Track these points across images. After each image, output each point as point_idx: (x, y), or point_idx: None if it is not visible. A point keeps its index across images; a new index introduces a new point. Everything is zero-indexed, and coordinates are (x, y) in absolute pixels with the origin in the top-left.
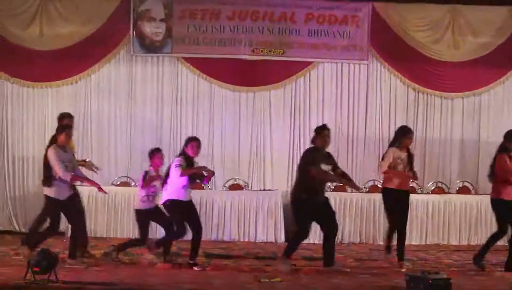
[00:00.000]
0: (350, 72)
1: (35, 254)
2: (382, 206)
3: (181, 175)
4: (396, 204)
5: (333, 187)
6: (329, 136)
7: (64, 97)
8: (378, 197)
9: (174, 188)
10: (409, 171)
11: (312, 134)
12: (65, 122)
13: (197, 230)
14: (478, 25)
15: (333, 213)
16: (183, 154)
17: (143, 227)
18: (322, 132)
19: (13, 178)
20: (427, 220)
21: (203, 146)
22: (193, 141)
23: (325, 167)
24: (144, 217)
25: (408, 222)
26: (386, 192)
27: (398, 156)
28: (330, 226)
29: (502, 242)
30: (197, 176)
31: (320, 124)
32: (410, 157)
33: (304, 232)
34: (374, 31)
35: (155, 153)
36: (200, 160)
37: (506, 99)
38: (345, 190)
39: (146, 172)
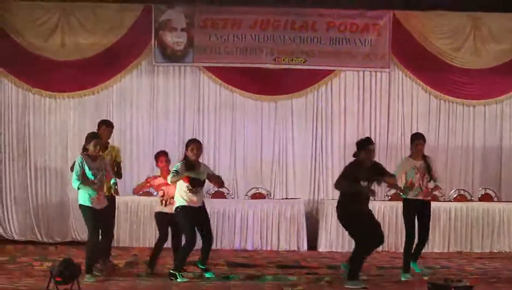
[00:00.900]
0: (372, 80)
1: (58, 264)
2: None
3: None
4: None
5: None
6: (373, 151)
7: (86, 107)
8: (400, 205)
9: (177, 194)
10: (425, 180)
11: (334, 142)
12: (101, 131)
13: (207, 237)
14: (499, 32)
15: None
16: (184, 158)
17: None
18: (365, 147)
19: (35, 188)
20: (449, 228)
21: (225, 155)
22: (192, 143)
23: (367, 183)
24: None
25: (430, 230)
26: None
27: (412, 166)
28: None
29: None
30: (196, 181)
31: (342, 132)
32: (427, 165)
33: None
34: (395, 39)
35: (158, 156)
36: (223, 170)
37: None
38: None
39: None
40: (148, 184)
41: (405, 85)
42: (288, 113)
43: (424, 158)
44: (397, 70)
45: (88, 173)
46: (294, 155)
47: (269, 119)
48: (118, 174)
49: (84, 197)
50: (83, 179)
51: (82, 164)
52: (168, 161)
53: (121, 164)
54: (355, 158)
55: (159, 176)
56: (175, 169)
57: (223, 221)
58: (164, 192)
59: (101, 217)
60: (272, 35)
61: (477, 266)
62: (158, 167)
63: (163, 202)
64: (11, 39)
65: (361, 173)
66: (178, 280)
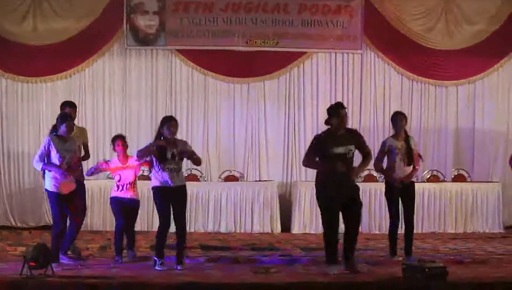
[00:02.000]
0: (344, 62)
1: (31, 249)
2: (377, 195)
3: (137, 158)
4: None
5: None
6: (345, 115)
7: (58, 91)
8: (373, 186)
9: (151, 174)
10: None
11: (307, 124)
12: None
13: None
14: (472, 13)
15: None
16: (158, 136)
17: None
18: (337, 111)
19: (9, 173)
20: (423, 209)
21: (197, 138)
22: (168, 121)
23: (341, 149)
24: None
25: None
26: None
27: (393, 144)
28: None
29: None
30: (162, 156)
31: (315, 113)
32: (407, 146)
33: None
34: (368, 21)
35: (115, 140)
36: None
37: (500, 87)
38: None
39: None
40: (100, 169)
41: (378, 67)
42: (260, 95)
43: (407, 139)
44: (369, 52)
45: (54, 157)
46: (267, 137)
47: (241, 102)
48: (86, 156)
49: (49, 182)
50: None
51: (48, 146)
52: (125, 145)
53: (89, 145)
54: (328, 126)
55: (112, 161)
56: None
57: (196, 204)
58: (120, 177)
59: (68, 202)
60: (244, 17)
61: (451, 246)
62: (114, 151)
63: (119, 187)
64: None
65: (332, 140)
66: (156, 268)
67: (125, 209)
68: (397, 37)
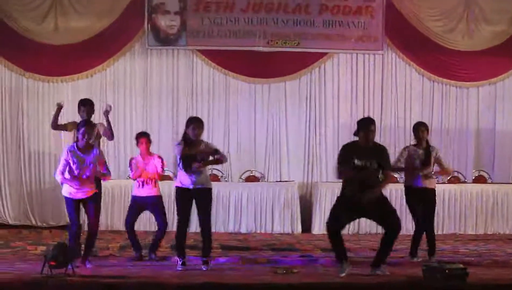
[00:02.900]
0: (365, 62)
1: (52, 248)
2: (397, 197)
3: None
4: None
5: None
6: (373, 131)
7: (79, 91)
8: (393, 187)
9: (178, 174)
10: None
11: (328, 124)
12: (80, 113)
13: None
14: (492, 14)
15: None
16: (183, 138)
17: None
18: (362, 127)
19: (29, 172)
20: (443, 210)
21: (218, 138)
22: (193, 122)
23: (363, 162)
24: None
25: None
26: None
27: (413, 153)
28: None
29: None
30: (187, 161)
31: (336, 114)
32: (426, 155)
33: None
34: (389, 21)
35: (139, 138)
36: None
37: None
38: None
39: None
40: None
41: (399, 67)
42: (281, 96)
43: (427, 147)
44: (391, 52)
45: (73, 167)
46: (288, 137)
47: (262, 102)
48: (111, 136)
49: (64, 187)
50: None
51: (67, 158)
52: (148, 143)
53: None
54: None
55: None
56: (179, 154)
57: (217, 204)
58: (141, 172)
59: (85, 206)
60: (265, 18)
61: (471, 248)
62: (138, 148)
63: (140, 183)
64: (4, 23)
65: (355, 151)
66: (177, 268)
67: (143, 206)
68: (418, 38)
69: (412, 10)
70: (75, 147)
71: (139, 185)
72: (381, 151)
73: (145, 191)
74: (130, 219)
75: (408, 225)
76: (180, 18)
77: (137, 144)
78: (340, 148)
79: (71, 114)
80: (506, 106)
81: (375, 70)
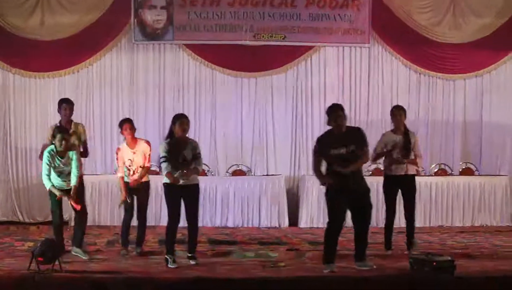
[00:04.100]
0: (352, 55)
1: (39, 244)
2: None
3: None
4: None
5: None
6: (341, 117)
7: (66, 86)
8: (380, 180)
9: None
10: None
11: (315, 118)
12: (62, 110)
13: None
14: (479, 6)
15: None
16: (169, 135)
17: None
18: (331, 114)
19: (16, 169)
20: (430, 202)
21: (205, 132)
22: (180, 119)
23: (342, 150)
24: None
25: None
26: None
27: (390, 140)
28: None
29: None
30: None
31: (322, 107)
32: (406, 141)
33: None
34: (375, 14)
35: (122, 124)
36: (204, 147)
37: (508, 80)
38: None
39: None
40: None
41: (385, 60)
42: (268, 89)
43: (405, 133)
44: (377, 45)
45: (53, 173)
46: (275, 131)
47: (249, 96)
48: (84, 153)
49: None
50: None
51: (49, 162)
52: (132, 129)
53: (97, 140)
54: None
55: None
56: (162, 155)
57: (204, 199)
58: (131, 161)
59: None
60: (252, 11)
61: (458, 240)
62: (123, 135)
63: (130, 170)
64: None
65: (330, 141)
66: (169, 265)
67: (135, 194)
68: (405, 31)
69: (398, 3)
70: (55, 151)
71: (129, 174)
72: (356, 133)
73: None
74: (129, 216)
75: (402, 218)
76: (166, 13)
77: (121, 131)
78: (317, 139)
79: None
80: (493, 98)
81: (362, 63)
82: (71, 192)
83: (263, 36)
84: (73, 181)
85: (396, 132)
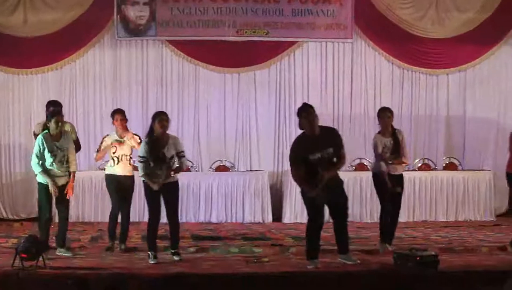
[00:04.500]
0: (335, 51)
1: (23, 241)
2: (369, 184)
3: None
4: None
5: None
6: (313, 115)
7: (49, 83)
8: (364, 175)
9: None
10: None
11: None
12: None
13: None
14: (462, 1)
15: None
16: (149, 133)
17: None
18: (302, 114)
19: (0, 165)
20: (414, 197)
21: (188, 128)
22: (160, 116)
23: (319, 154)
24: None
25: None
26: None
27: (382, 144)
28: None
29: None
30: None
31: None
32: (395, 142)
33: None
34: (358, 9)
35: (113, 114)
36: (187, 143)
37: (491, 75)
38: None
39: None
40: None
41: (368, 55)
42: (251, 85)
43: (394, 134)
44: (360, 41)
45: (47, 155)
46: (258, 127)
47: (232, 92)
48: (77, 147)
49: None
50: (43, 164)
51: (41, 145)
52: (124, 120)
53: (79, 139)
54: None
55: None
56: (141, 155)
57: (188, 194)
58: (116, 148)
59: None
60: (234, 7)
61: (442, 235)
62: (114, 125)
63: (115, 159)
64: None
65: (306, 147)
66: (150, 261)
67: (121, 189)
68: (388, 26)
69: None
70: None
71: (114, 162)
72: (331, 134)
73: (120, 170)
74: (117, 208)
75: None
76: (149, 9)
77: (113, 121)
78: (293, 143)
79: (41, 107)
80: (476, 93)
81: (345, 58)
82: (71, 178)
83: (246, 32)
84: (73, 167)
85: (384, 134)
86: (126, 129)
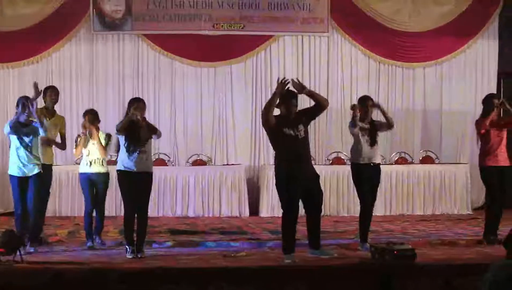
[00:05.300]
0: (311, 44)
1: (0, 235)
2: (346, 178)
3: (117, 131)
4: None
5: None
6: (295, 105)
7: (26, 77)
8: (341, 169)
9: (119, 156)
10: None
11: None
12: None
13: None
14: None
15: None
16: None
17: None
18: (287, 100)
19: None
20: (391, 191)
21: (165, 122)
22: (136, 102)
23: (292, 131)
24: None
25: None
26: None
27: (360, 125)
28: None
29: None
30: (132, 144)
31: None
32: (372, 128)
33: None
34: (334, 3)
35: (84, 115)
36: (163, 137)
37: (467, 68)
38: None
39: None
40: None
41: (344, 49)
42: (227, 79)
43: (372, 122)
44: (336, 34)
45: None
46: (235, 121)
47: (208, 86)
48: (63, 145)
49: (11, 167)
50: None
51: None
52: (92, 121)
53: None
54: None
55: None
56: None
57: (164, 189)
58: (89, 151)
59: (27, 186)
60: (210, 1)
61: (419, 228)
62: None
63: (88, 162)
64: None
65: (284, 121)
66: (127, 255)
67: (95, 185)
68: (364, 19)
69: None
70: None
71: (87, 163)
72: (302, 111)
73: (94, 169)
74: (91, 205)
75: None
76: (125, 3)
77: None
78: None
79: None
80: (453, 86)
81: (321, 52)
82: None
83: (222, 26)
84: None
85: (363, 121)
86: (97, 128)
